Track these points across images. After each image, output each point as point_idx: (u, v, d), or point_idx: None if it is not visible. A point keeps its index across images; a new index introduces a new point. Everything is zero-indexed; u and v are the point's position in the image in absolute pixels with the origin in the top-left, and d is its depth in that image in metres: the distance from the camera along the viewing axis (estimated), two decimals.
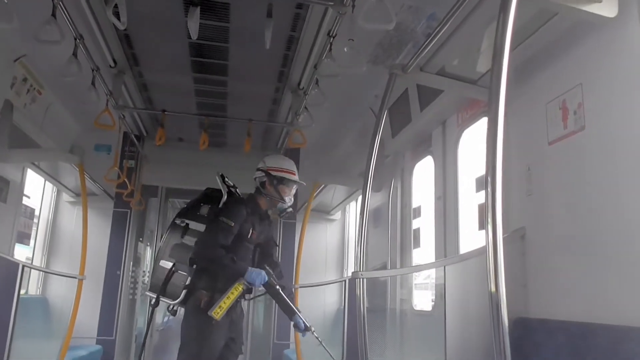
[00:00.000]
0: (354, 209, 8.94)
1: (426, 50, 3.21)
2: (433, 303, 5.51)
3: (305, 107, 5.58)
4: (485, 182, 1.81)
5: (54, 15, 3.59)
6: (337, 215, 9.29)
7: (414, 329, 5.06)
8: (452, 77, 3.75)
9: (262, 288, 3.65)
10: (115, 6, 3.21)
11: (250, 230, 3.63)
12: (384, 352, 4.66)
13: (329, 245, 9.20)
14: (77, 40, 4.32)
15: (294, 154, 7.84)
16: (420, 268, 4.67)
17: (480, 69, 3.89)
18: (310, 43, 4.83)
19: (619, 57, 2.64)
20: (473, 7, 2.95)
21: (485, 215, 1.82)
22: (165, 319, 11.93)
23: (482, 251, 3.30)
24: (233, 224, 3.45)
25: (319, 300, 8.41)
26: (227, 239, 3.48)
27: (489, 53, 3.77)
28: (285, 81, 6.08)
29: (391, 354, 4.91)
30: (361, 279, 3.15)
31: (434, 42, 3.24)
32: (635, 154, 2.45)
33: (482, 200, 4.12)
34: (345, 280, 6.22)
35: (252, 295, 3.86)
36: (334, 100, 5.38)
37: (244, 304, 8.95)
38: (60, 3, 3.66)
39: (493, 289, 1.78)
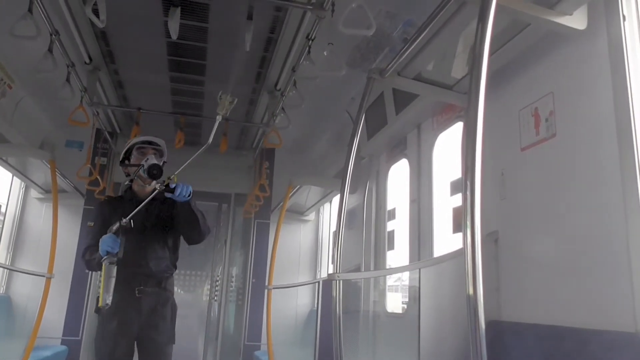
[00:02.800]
0: (328, 210, 9.00)
1: (404, 56, 3.27)
2: (404, 305, 5.61)
3: (282, 108, 5.60)
4: (463, 186, 1.86)
5: (30, 10, 3.52)
6: (311, 217, 9.32)
7: (387, 331, 5.13)
8: (428, 82, 3.83)
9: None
10: (95, 4, 3.17)
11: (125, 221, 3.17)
12: (357, 354, 4.71)
13: (303, 246, 9.22)
14: (53, 36, 4.25)
15: (269, 155, 7.87)
16: (396, 270, 4.74)
17: (455, 75, 3.98)
18: (288, 45, 4.87)
19: (588, 67, 2.76)
20: (450, 16, 3.03)
21: (463, 218, 1.87)
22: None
23: (457, 254, 3.41)
24: (92, 224, 3.35)
25: (291, 301, 8.43)
26: (93, 239, 3.26)
27: (463, 60, 3.88)
28: (263, 82, 6.09)
29: (365, 356, 4.97)
30: (337, 281, 3.18)
31: (411, 48, 3.30)
32: (603, 160, 2.56)
33: (457, 204, 4.24)
34: (319, 282, 6.25)
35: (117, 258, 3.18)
36: (311, 102, 5.42)
37: (215, 306, 8.97)
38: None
39: (471, 291, 1.83)
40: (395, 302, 5.85)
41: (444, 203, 4.60)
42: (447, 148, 4.70)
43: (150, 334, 3.29)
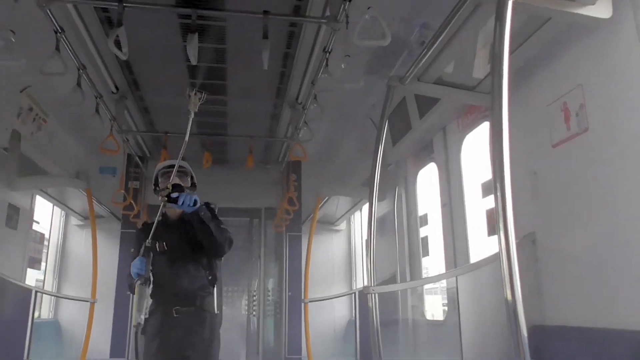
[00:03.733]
0: (358, 218, 8.94)
1: (423, 61, 3.23)
2: (445, 309, 5.48)
3: (305, 122, 5.62)
4: (493, 188, 1.81)
5: (57, 48, 3.65)
6: (342, 226, 9.29)
7: (428, 340, 5.02)
8: (449, 85, 3.77)
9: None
10: (116, 37, 3.25)
11: (157, 245, 3.25)
12: None
13: (336, 256, 9.20)
14: (80, 70, 4.40)
15: (295, 167, 7.89)
16: (431, 279, 4.63)
17: (477, 75, 3.91)
18: (305, 59, 4.88)
19: (617, 56, 2.65)
20: (467, 16, 2.98)
21: (496, 220, 1.81)
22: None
23: (494, 258, 3.32)
24: (132, 250, 3.36)
25: (328, 312, 8.38)
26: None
27: (483, 59, 3.81)
28: (283, 97, 6.13)
29: None
30: (373, 294, 3.13)
31: (430, 52, 3.26)
32: None
33: (490, 206, 4.15)
34: (355, 293, 6.20)
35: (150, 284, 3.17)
36: (332, 112, 5.42)
37: (254, 321, 9.01)
38: (63, 37, 3.73)
39: (509, 296, 1.77)
40: (435, 306, 5.74)
41: (477, 206, 4.51)
42: (475, 149, 4.62)
43: (188, 354, 3.25)
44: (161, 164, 3.52)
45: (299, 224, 8.24)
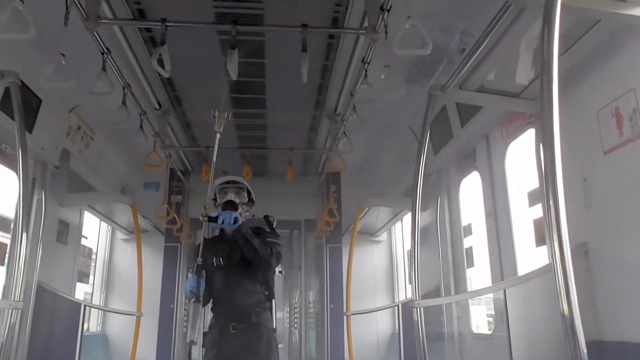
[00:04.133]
0: (399, 229, 8.82)
1: (465, 69, 3.17)
2: (490, 319, 5.29)
3: (344, 133, 5.60)
4: (544, 196, 1.73)
5: (104, 68, 3.79)
6: (383, 237, 9.18)
7: (475, 354, 4.87)
8: (492, 92, 3.67)
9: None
10: (159, 56, 3.34)
11: (214, 260, 3.33)
12: None
13: (377, 267, 9.08)
14: (125, 89, 4.54)
15: (335, 178, 7.88)
16: (478, 293, 4.48)
17: (520, 81, 3.81)
18: (344, 71, 4.89)
19: None
20: (510, 22, 2.91)
21: (547, 230, 1.73)
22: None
23: (544, 270, 3.20)
24: (192, 265, 3.35)
25: (370, 326, 8.27)
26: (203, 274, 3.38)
27: (526, 65, 3.70)
28: (322, 109, 6.15)
29: None
30: (418, 308, 3.06)
31: (472, 59, 3.20)
32: None
33: (537, 215, 4.00)
34: (398, 305, 6.10)
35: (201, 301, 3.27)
36: (372, 122, 5.38)
37: (296, 333, 8.97)
38: (109, 57, 3.86)
39: (565, 309, 1.68)
40: (479, 317, 5.55)
41: (523, 215, 4.36)
42: (520, 157, 4.48)
43: None
44: (219, 180, 3.57)
45: (339, 236, 8.20)
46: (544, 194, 3.12)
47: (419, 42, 2.94)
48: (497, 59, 3.54)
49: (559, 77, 1.95)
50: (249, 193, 3.57)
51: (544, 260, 4.05)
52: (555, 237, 1.69)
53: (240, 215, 3.29)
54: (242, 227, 3.12)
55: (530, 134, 4.13)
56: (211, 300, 3.33)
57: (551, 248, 1.83)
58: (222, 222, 3.06)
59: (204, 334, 3.28)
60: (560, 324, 2.64)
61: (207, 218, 3.11)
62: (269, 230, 3.45)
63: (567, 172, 3.17)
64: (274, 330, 3.34)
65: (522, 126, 4.23)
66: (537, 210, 4.02)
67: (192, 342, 3.22)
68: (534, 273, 3.19)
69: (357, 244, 7.15)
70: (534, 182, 4.06)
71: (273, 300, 3.41)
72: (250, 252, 3.20)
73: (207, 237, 3.48)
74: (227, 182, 3.54)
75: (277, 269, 3.61)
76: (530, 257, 4.31)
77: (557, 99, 1.74)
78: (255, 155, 7.36)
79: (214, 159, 3.22)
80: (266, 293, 3.38)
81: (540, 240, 4.04)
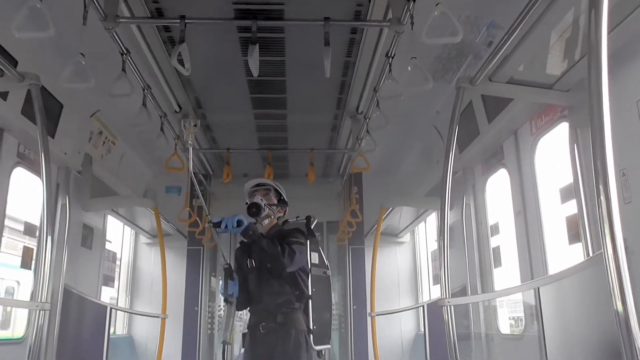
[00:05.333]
0: (423, 230, 8.68)
1: (494, 60, 3.05)
2: (512, 322, 5.14)
3: (367, 131, 5.51)
4: (596, 191, 1.63)
5: (124, 69, 3.78)
6: (406, 238, 9.04)
7: (505, 355, 4.72)
8: (523, 84, 3.54)
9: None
10: (179, 55, 3.31)
11: (247, 262, 3.41)
12: None
13: (400, 269, 8.95)
14: (145, 90, 4.53)
15: (357, 179, 7.79)
16: (510, 291, 4.34)
17: (552, 72, 3.66)
18: (367, 66, 4.80)
19: None
20: (542, 11, 2.78)
21: (600, 226, 1.64)
22: (242, 350, 12.00)
23: (579, 268, 3.06)
24: (228, 264, 3.40)
25: (395, 326, 8.14)
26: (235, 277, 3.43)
27: (558, 55, 3.56)
28: (344, 107, 6.07)
29: None
30: (448, 307, 2.95)
31: (502, 50, 3.08)
32: None
33: (571, 212, 3.85)
34: (423, 306, 5.97)
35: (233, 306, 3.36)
36: (393, 121, 5.28)
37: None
38: (129, 58, 3.85)
39: (619, 307, 1.57)
40: (502, 319, 5.40)
41: (554, 212, 4.21)
42: (551, 152, 4.32)
43: None
44: (248, 184, 3.64)
45: (361, 237, 8.11)
46: (580, 189, 2.98)
47: (448, 30, 2.84)
48: (528, 50, 3.41)
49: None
50: (279, 194, 3.58)
51: (577, 258, 3.92)
52: (607, 232, 1.59)
53: (262, 216, 3.33)
54: (249, 229, 3.14)
55: (562, 128, 3.97)
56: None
57: (603, 244, 1.73)
58: (226, 227, 3.12)
59: (243, 335, 3.39)
60: (597, 324, 2.52)
61: (212, 224, 3.18)
62: (301, 231, 3.45)
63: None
64: (308, 331, 3.31)
65: (554, 120, 4.07)
66: (570, 207, 3.87)
67: (225, 343, 3.36)
68: (569, 271, 3.05)
69: (380, 246, 7.05)
70: (566, 178, 3.91)
71: (309, 301, 3.38)
72: (260, 252, 3.23)
73: (243, 241, 3.49)
74: (257, 185, 3.59)
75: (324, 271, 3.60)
76: (562, 255, 4.16)
77: (607, 88, 1.63)
78: (276, 156, 7.31)
79: (191, 171, 3.35)
80: (296, 293, 3.36)
81: (573, 237, 3.88)
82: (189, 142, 3.25)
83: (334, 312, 8.73)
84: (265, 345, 3.26)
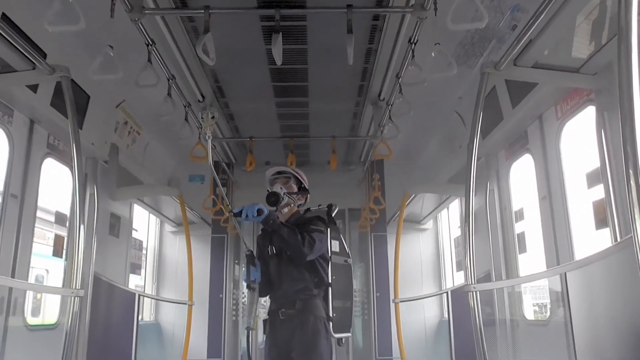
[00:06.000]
0: (445, 216, 8.64)
1: (520, 44, 3.01)
2: (536, 308, 5.09)
3: (390, 118, 5.49)
4: (626, 175, 1.61)
5: (149, 60, 3.84)
6: (429, 224, 9.01)
7: (531, 341, 4.70)
8: (549, 68, 3.48)
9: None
10: (204, 44, 3.35)
11: (268, 249, 3.41)
12: None
13: (423, 255, 8.94)
14: (170, 80, 4.59)
15: (378, 166, 7.77)
16: (535, 277, 4.31)
17: (578, 55, 3.60)
18: (389, 53, 4.77)
19: None
20: None
21: (630, 209, 1.62)
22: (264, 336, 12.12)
23: (607, 253, 3.03)
24: (249, 250, 3.42)
25: (418, 313, 8.16)
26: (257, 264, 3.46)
27: (584, 38, 3.49)
28: (366, 94, 6.06)
29: None
30: (474, 292, 2.95)
31: (526, 36, 3.03)
32: None
33: (598, 197, 3.80)
34: (447, 292, 5.98)
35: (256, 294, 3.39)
36: (416, 107, 5.26)
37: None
38: (154, 49, 3.91)
39: None
40: (525, 306, 5.37)
41: (581, 198, 4.16)
42: (576, 137, 4.26)
43: (290, 354, 3.24)
44: (269, 171, 3.63)
45: (383, 224, 8.11)
46: (607, 173, 2.94)
47: (473, 14, 2.81)
48: (553, 33, 3.35)
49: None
50: (300, 182, 3.56)
51: (604, 244, 3.87)
52: (637, 216, 1.58)
53: (281, 205, 3.34)
54: (269, 218, 3.12)
55: (589, 112, 3.91)
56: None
57: (633, 228, 1.71)
58: (246, 216, 3.10)
59: (264, 321, 3.39)
60: (625, 309, 2.49)
61: (232, 214, 3.19)
62: (322, 219, 3.43)
63: None
64: (327, 318, 3.30)
65: (580, 104, 4.01)
66: (597, 192, 3.83)
67: (249, 329, 3.45)
68: (596, 256, 3.02)
69: (402, 232, 7.05)
70: (593, 163, 3.85)
71: (329, 289, 3.36)
72: (280, 241, 3.24)
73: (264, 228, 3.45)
74: (277, 173, 3.57)
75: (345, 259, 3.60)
76: (588, 240, 4.12)
77: (637, 70, 1.60)
78: (298, 144, 7.34)
79: (210, 161, 3.33)
80: (315, 280, 3.34)
81: (600, 223, 3.84)
82: (208, 134, 3.24)
83: (355, 299, 8.81)
84: (284, 331, 3.28)
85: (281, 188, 3.43)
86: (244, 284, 3.35)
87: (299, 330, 3.24)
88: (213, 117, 3.25)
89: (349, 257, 3.66)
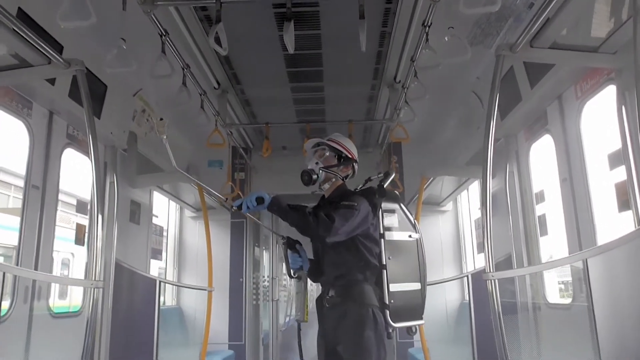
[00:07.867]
0: (465, 198, 8.55)
1: (535, 25, 2.92)
2: (562, 286, 5.02)
3: (406, 101, 5.43)
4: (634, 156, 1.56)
5: (163, 51, 3.85)
6: (449, 206, 8.94)
7: (553, 325, 4.66)
8: (567, 48, 3.38)
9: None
10: (216, 34, 3.34)
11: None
12: (520, 353, 4.27)
13: (443, 237, 8.89)
14: (185, 70, 4.61)
15: (396, 149, 7.71)
16: (555, 264, 4.20)
17: (596, 34, 3.48)
18: (403, 36, 4.70)
19: None
20: None
21: None
22: (287, 319, 12.29)
23: (630, 238, 2.96)
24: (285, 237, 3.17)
25: (439, 296, 8.14)
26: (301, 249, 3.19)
27: (604, 16, 3.37)
28: (381, 78, 5.99)
29: (531, 355, 4.49)
30: (493, 280, 2.91)
31: (543, 15, 2.94)
32: None
33: (620, 179, 3.71)
34: (467, 276, 5.94)
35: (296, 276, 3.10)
36: (432, 89, 5.17)
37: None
38: (168, 39, 3.91)
39: None
40: (550, 284, 5.29)
41: (603, 179, 4.06)
42: (597, 117, 4.15)
43: (336, 347, 2.92)
44: (307, 144, 3.29)
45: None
46: (630, 154, 2.86)
47: None
48: (571, 11, 3.24)
49: None
50: (338, 152, 3.21)
51: (627, 227, 3.78)
52: None
53: (319, 182, 3.07)
54: (273, 204, 2.84)
55: (609, 91, 3.80)
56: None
57: None
58: (248, 208, 2.85)
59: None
60: None
61: (233, 208, 2.96)
62: (367, 191, 3.10)
63: None
64: (381, 307, 2.92)
65: (600, 83, 3.90)
66: (619, 173, 3.73)
67: (299, 321, 3.12)
68: (619, 241, 2.95)
69: (422, 215, 6.99)
70: (615, 143, 3.75)
71: (383, 272, 2.96)
72: (293, 227, 2.88)
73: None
74: (316, 145, 3.23)
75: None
76: (611, 223, 4.03)
77: None
78: (314, 129, 7.31)
79: (174, 163, 3.10)
80: (361, 264, 2.98)
81: (623, 205, 3.75)
82: (164, 139, 2.96)
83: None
84: (330, 321, 2.99)
85: (317, 163, 3.12)
86: (265, 268, 3.20)
87: (342, 318, 2.92)
88: (162, 119, 3.04)
89: (415, 232, 3.18)
